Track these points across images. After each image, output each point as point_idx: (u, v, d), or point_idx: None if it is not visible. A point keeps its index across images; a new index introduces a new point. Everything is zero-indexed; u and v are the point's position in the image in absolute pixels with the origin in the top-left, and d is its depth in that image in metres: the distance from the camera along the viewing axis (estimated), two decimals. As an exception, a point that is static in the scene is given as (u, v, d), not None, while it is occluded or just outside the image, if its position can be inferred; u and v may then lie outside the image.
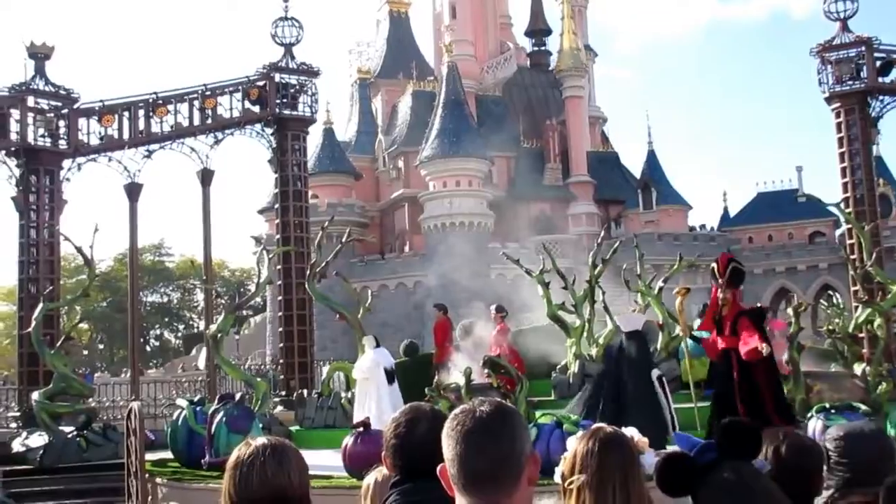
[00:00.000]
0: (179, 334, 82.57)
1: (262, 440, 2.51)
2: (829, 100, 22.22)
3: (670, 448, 2.69)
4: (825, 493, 3.04)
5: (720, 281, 11.48)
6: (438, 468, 2.22)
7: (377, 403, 14.43)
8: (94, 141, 21.35)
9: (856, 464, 2.98)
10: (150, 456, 12.49)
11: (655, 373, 12.32)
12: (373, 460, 3.58)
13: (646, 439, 2.44)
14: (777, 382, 11.35)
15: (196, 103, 21.91)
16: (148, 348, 77.19)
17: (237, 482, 2.45)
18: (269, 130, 22.38)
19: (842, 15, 22.30)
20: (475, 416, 2.16)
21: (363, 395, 14.94)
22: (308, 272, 18.21)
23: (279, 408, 18.88)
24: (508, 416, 2.18)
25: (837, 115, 22.08)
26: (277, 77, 22.33)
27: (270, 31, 22.73)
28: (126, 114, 21.54)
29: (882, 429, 3.69)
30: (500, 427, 2.14)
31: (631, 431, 2.46)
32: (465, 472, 2.12)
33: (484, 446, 2.12)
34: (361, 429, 11.09)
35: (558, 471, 2.65)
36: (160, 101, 21.74)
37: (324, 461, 10.99)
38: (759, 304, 15.34)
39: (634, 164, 63.81)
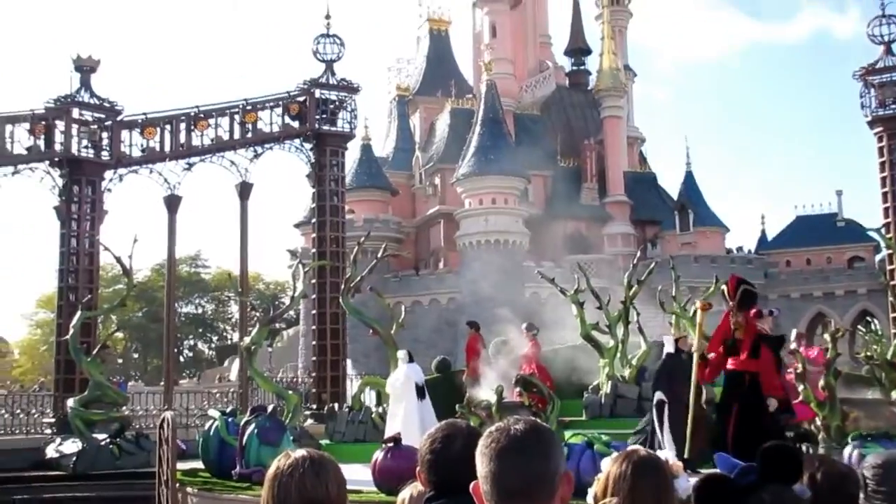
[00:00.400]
0: (213, 345, 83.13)
1: (301, 452, 2.53)
2: (871, 123, 22.01)
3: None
4: (861, 522, 3.00)
5: (731, 304, 11.37)
6: (472, 485, 2.22)
7: (406, 419, 14.42)
8: (136, 153, 21.66)
9: (893, 492, 2.94)
10: (181, 465, 12.56)
11: (658, 395, 12.14)
12: (403, 475, 3.58)
13: (680, 463, 2.43)
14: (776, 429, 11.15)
15: (237, 117, 22.16)
16: (182, 359, 77.75)
17: (276, 493, 2.46)
18: (307, 145, 22.54)
19: (886, 38, 22.11)
20: (510, 433, 2.16)
21: (396, 409, 14.94)
22: (342, 287, 18.28)
23: (310, 421, 18.94)
24: (543, 435, 2.18)
25: (880, 140, 21.86)
26: (318, 93, 22.50)
27: (312, 48, 22.94)
28: (168, 127, 21.83)
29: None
30: (534, 445, 2.14)
31: (666, 454, 2.45)
32: (499, 489, 2.12)
33: (518, 464, 2.12)
34: (392, 444, 11.09)
35: (591, 492, 2.64)
36: (201, 115, 22.01)
37: (353, 475, 10.98)
38: (781, 333, 15.12)
39: (672, 185, 63.61)
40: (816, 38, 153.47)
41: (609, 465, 2.57)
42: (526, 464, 2.12)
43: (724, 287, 11.63)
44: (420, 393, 14.92)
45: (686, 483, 2.42)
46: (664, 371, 12.35)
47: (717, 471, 2.40)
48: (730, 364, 11.20)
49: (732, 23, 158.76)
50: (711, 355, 11.35)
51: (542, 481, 2.13)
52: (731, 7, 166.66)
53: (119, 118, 21.54)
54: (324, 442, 16.01)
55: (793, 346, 14.74)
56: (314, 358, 22.15)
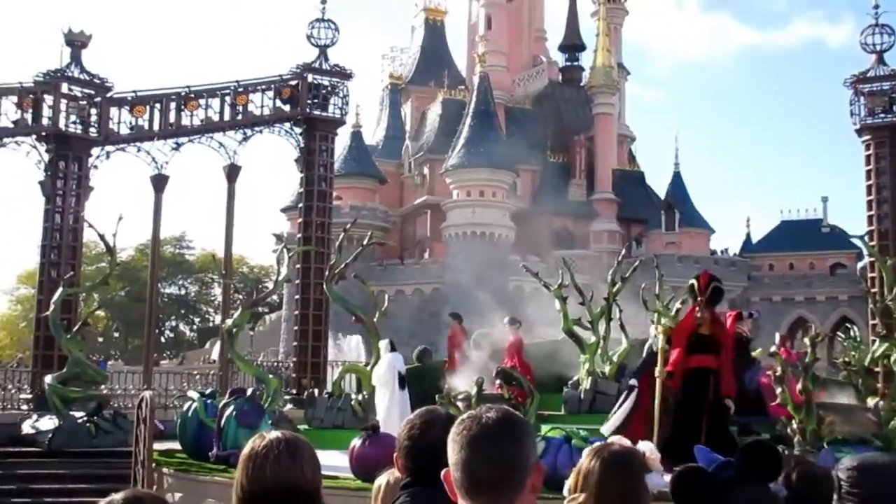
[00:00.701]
0: (195, 327, 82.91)
1: (276, 434, 2.53)
2: (859, 131, 22.07)
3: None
4: (834, 523, 3.02)
5: (699, 299, 11.42)
6: (443, 473, 2.22)
7: (388, 407, 14.44)
8: (125, 130, 21.50)
9: (867, 495, 2.95)
10: (158, 446, 12.54)
11: (632, 381, 12.32)
12: (381, 463, 3.58)
13: (657, 456, 2.42)
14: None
15: (227, 99, 22.02)
16: (163, 339, 77.52)
17: (249, 474, 2.46)
18: (297, 130, 22.43)
19: (878, 48, 22.15)
20: (481, 421, 2.16)
21: (380, 398, 14.96)
22: (327, 273, 18.25)
23: (289, 406, 18.90)
24: (514, 424, 2.18)
25: (867, 148, 21.92)
26: (310, 77, 22.38)
27: (306, 32, 22.81)
28: (157, 105, 21.68)
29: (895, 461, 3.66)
30: (505, 434, 2.14)
31: (645, 447, 2.44)
32: (469, 477, 2.13)
33: (488, 452, 2.12)
34: (370, 431, 11.09)
35: (567, 485, 2.64)
36: (192, 95, 21.86)
37: (331, 462, 10.99)
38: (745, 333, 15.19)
39: (659, 184, 63.78)
40: (809, 46, 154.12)
41: (582, 460, 2.58)
42: (497, 452, 2.12)
43: (693, 282, 11.67)
44: (401, 383, 14.96)
45: (659, 480, 2.41)
46: (647, 361, 12.47)
47: (695, 465, 2.41)
48: (693, 362, 11.25)
49: (726, 27, 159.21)
50: (674, 353, 11.37)
51: (512, 470, 2.13)
52: (725, 12, 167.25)
53: (108, 95, 21.37)
54: (302, 427, 15.97)
55: (773, 349, 14.83)
56: (295, 343, 22.11)
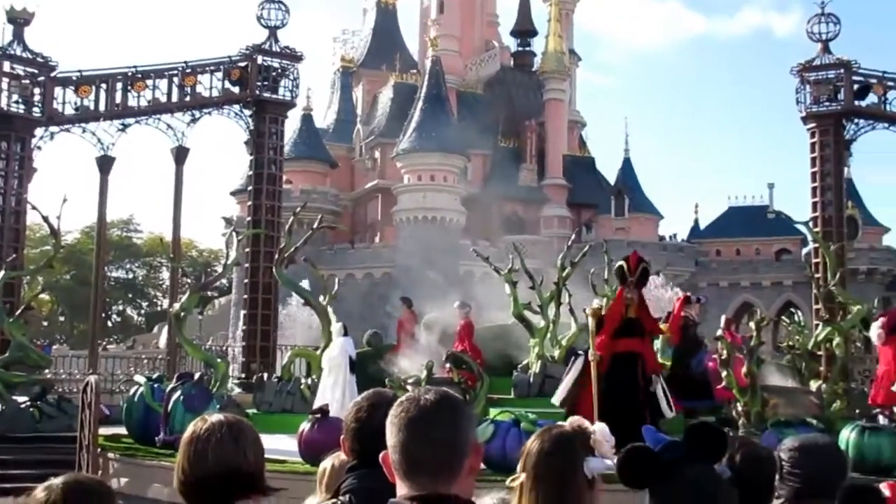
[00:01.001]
0: (142, 311, 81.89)
1: (218, 417, 2.49)
2: (805, 119, 22.39)
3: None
4: (776, 503, 3.07)
5: (630, 279, 11.52)
6: (381, 455, 2.22)
7: (342, 391, 14.41)
8: (69, 111, 21.12)
9: (808, 475, 3.00)
10: (104, 431, 12.41)
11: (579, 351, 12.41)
12: (329, 447, 3.56)
13: (611, 440, 2.43)
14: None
15: (175, 80, 21.72)
16: (109, 324, 76.44)
17: (191, 457, 2.42)
18: (247, 112, 22.22)
19: (824, 36, 22.48)
20: (419, 404, 2.16)
21: (330, 381, 14.89)
22: (276, 257, 18.14)
23: (237, 390, 18.79)
24: (452, 405, 2.18)
25: (812, 136, 22.25)
26: (260, 59, 22.17)
27: (256, 13, 22.58)
28: (104, 86, 21.31)
29: (835, 442, 3.73)
30: (443, 416, 2.14)
31: (597, 427, 2.45)
32: (408, 459, 2.13)
33: (426, 434, 2.13)
34: (319, 415, 11.06)
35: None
36: (139, 76, 21.54)
37: (279, 446, 10.95)
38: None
39: (610, 170, 64.17)
40: (757, 35, 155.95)
41: (529, 440, 2.58)
42: (435, 434, 2.13)
43: (623, 264, 11.77)
44: (351, 367, 14.95)
45: (599, 463, 2.41)
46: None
47: (641, 444, 2.42)
48: (621, 346, 11.36)
49: (677, 15, 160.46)
50: (600, 337, 11.41)
51: (450, 451, 2.14)
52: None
53: (53, 74, 20.96)
54: (251, 411, 15.88)
55: (718, 332, 15.04)
56: (245, 327, 21.96)
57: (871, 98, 21.92)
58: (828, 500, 3.00)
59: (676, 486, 2.33)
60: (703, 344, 15.92)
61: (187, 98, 21.78)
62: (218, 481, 2.41)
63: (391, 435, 2.17)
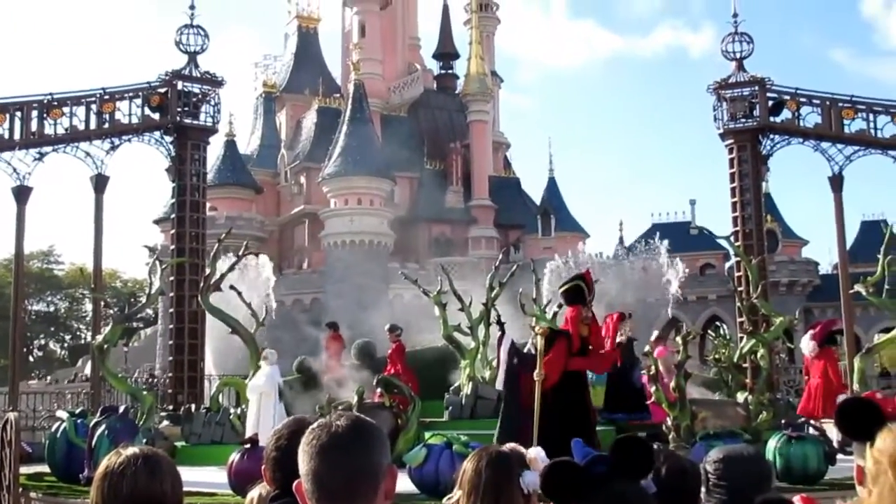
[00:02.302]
0: (66, 345, 79.85)
1: (133, 449, 2.40)
2: (723, 136, 22.92)
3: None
4: (702, 515, 3.08)
5: (589, 298, 11.59)
6: (294, 484, 2.18)
7: (267, 420, 14.22)
8: (-18, 140, 20.57)
9: (733, 486, 3.02)
10: (25, 469, 11.99)
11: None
12: (259, 476, 3.48)
13: (541, 460, 2.43)
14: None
15: (93, 107, 21.31)
16: (31, 358, 74.38)
17: (105, 493, 2.32)
18: (168, 138, 21.91)
19: (738, 55, 23.08)
20: (331, 430, 2.13)
21: (260, 410, 14.69)
22: (202, 285, 17.86)
23: (165, 422, 18.41)
24: (364, 431, 2.15)
25: (731, 151, 22.77)
26: (180, 85, 21.91)
27: (175, 38, 22.34)
28: (18, 113, 20.80)
29: (760, 452, 3.76)
30: (354, 442, 2.12)
31: (533, 451, 2.46)
32: (320, 487, 2.10)
33: (339, 461, 2.10)
34: (248, 445, 10.88)
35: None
36: (55, 103, 21.08)
37: (209, 478, 10.75)
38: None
39: (535, 190, 64.77)
40: (672, 53, 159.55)
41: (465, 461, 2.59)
42: (347, 460, 2.10)
43: (580, 283, 11.78)
44: (280, 395, 14.80)
45: (535, 478, 2.41)
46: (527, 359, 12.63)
47: (567, 458, 2.41)
48: (574, 364, 11.37)
49: (594, 35, 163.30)
50: (552, 353, 11.30)
51: (363, 477, 2.11)
52: (591, 19, 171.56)
53: (-36, 103, 20.42)
54: (179, 444, 15.57)
55: (647, 348, 15.24)
56: (171, 357, 21.56)
57: (786, 114, 22.53)
58: (752, 510, 3.02)
59: (601, 501, 2.31)
60: (639, 360, 16.17)
61: (106, 125, 21.37)
62: None
63: (303, 463, 2.13)
